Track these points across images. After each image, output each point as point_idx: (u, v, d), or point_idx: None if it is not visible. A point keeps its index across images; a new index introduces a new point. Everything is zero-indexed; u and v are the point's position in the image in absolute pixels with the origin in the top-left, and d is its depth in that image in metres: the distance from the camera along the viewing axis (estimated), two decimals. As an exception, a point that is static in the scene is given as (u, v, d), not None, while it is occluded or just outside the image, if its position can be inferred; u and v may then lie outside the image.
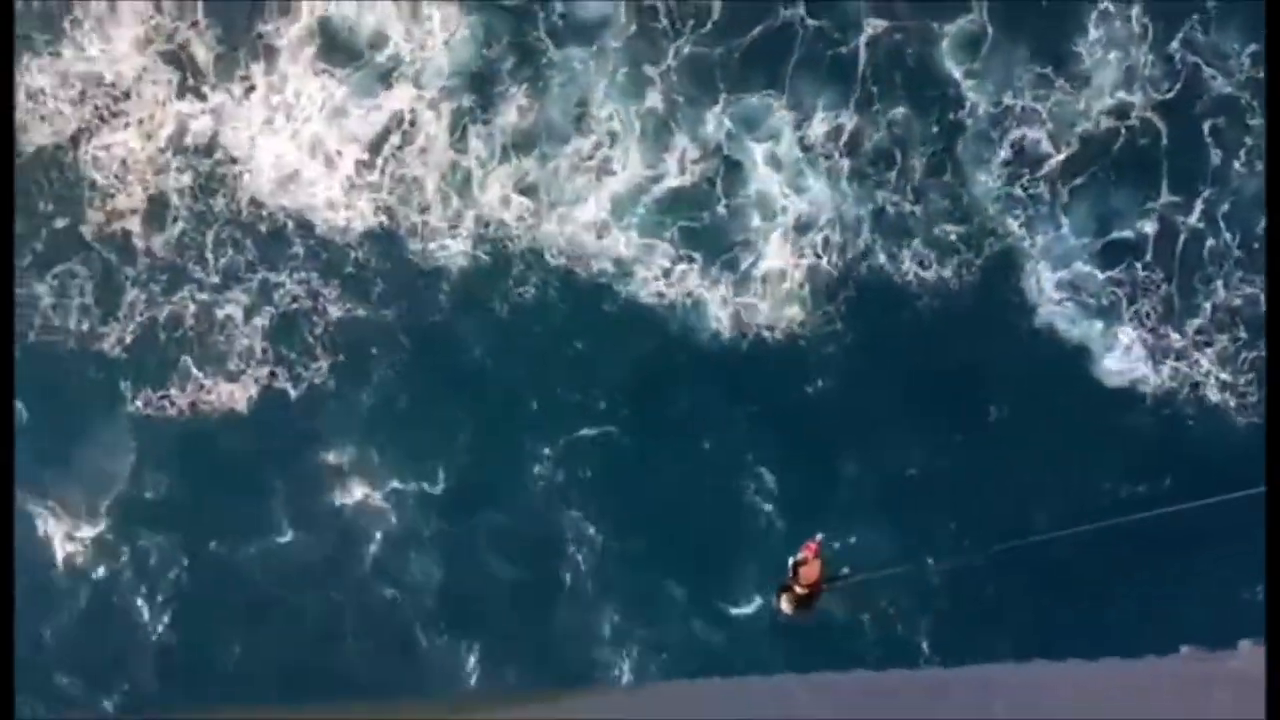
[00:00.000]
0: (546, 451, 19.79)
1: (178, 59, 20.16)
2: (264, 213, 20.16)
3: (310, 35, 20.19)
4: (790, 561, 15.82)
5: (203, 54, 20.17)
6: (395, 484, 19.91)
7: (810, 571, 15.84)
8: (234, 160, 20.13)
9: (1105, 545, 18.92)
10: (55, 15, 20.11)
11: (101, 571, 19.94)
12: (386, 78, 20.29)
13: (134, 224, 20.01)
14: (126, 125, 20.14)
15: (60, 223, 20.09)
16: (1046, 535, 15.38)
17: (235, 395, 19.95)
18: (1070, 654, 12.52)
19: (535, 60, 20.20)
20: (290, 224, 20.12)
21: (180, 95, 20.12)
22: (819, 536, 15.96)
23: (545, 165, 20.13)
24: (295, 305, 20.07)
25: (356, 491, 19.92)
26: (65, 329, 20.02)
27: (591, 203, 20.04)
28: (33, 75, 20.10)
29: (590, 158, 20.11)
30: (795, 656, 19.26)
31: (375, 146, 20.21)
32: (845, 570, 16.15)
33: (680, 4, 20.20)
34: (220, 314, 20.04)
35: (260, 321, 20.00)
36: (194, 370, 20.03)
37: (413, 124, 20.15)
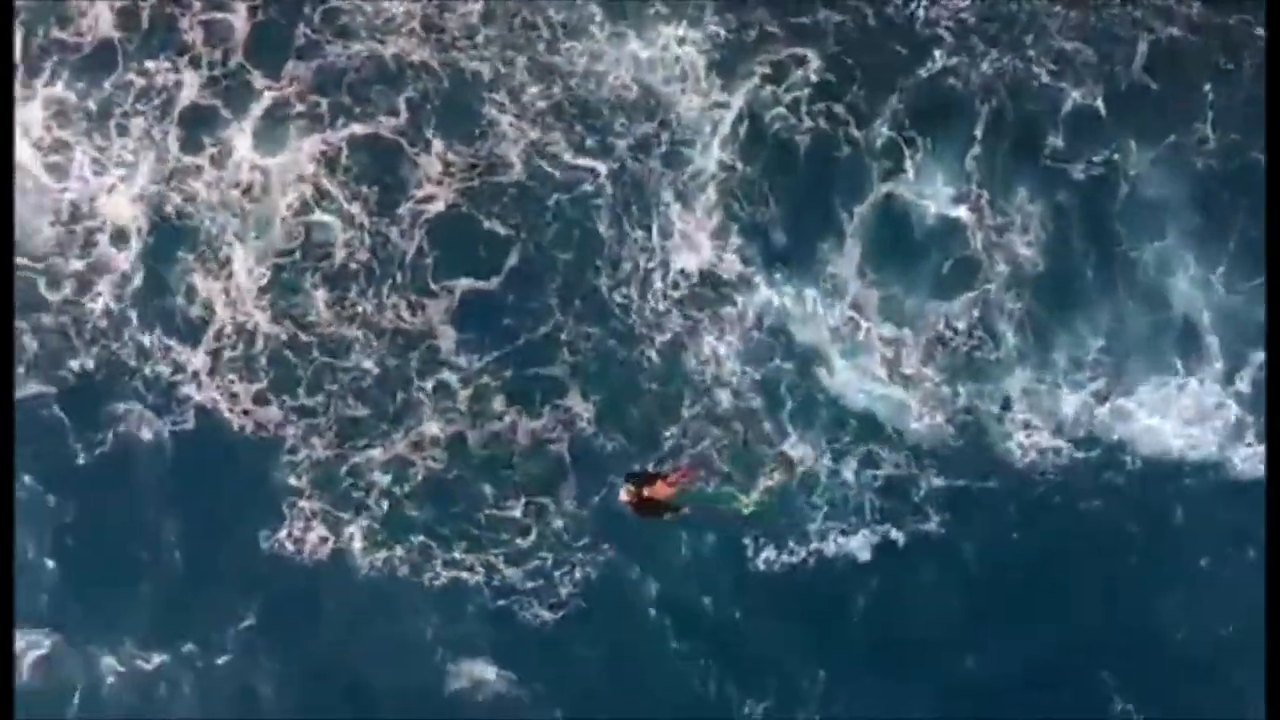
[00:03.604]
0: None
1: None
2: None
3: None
4: (652, 468, 16.89)
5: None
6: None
7: (663, 489, 16.62)
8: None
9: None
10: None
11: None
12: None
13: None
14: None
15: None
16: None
17: (853, 546, 20.44)
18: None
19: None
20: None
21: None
22: (696, 472, 17.00)
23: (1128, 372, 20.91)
24: (897, 471, 20.59)
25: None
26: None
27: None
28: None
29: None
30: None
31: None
32: (685, 510, 16.68)
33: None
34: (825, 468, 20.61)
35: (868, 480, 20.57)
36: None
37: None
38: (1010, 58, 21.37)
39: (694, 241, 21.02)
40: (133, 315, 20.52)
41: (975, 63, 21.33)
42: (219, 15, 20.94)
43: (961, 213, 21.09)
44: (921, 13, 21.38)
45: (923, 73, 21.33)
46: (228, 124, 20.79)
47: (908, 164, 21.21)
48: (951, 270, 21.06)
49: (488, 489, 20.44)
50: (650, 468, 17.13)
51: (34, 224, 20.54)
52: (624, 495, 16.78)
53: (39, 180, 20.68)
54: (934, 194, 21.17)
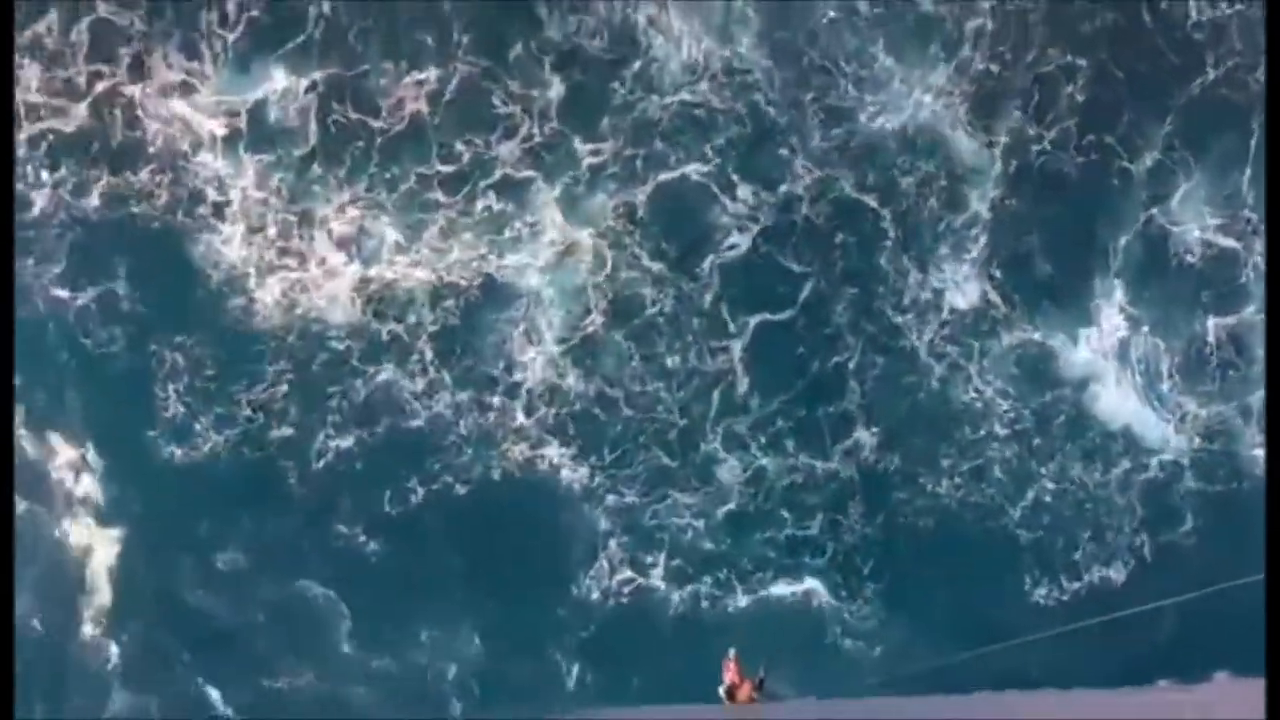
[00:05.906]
0: None
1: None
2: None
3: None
4: (721, 691, 16.75)
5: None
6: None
7: (743, 692, 16.73)
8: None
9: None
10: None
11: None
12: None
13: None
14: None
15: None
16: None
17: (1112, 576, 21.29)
18: (1046, 684, 13.92)
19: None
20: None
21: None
22: (731, 653, 16.57)
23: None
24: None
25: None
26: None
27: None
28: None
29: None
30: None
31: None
32: (762, 673, 16.47)
33: None
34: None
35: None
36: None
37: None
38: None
39: (963, 284, 21.34)
40: (447, 378, 20.75)
41: (1251, 67, 20.83)
42: (532, 91, 20.56)
43: (1229, 241, 21.27)
44: (1194, 13, 20.80)
45: (1196, 86, 20.99)
46: (537, 192, 20.64)
47: (1177, 192, 21.17)
48: (1216, 297, 21.38)
49: (786, 514, 21.18)
50: (721, 692, 16.70)
51: (343, 301, 20.73)
52: None
53: (344, 262, 20.84)
54: (1201, 222, 21.26)
